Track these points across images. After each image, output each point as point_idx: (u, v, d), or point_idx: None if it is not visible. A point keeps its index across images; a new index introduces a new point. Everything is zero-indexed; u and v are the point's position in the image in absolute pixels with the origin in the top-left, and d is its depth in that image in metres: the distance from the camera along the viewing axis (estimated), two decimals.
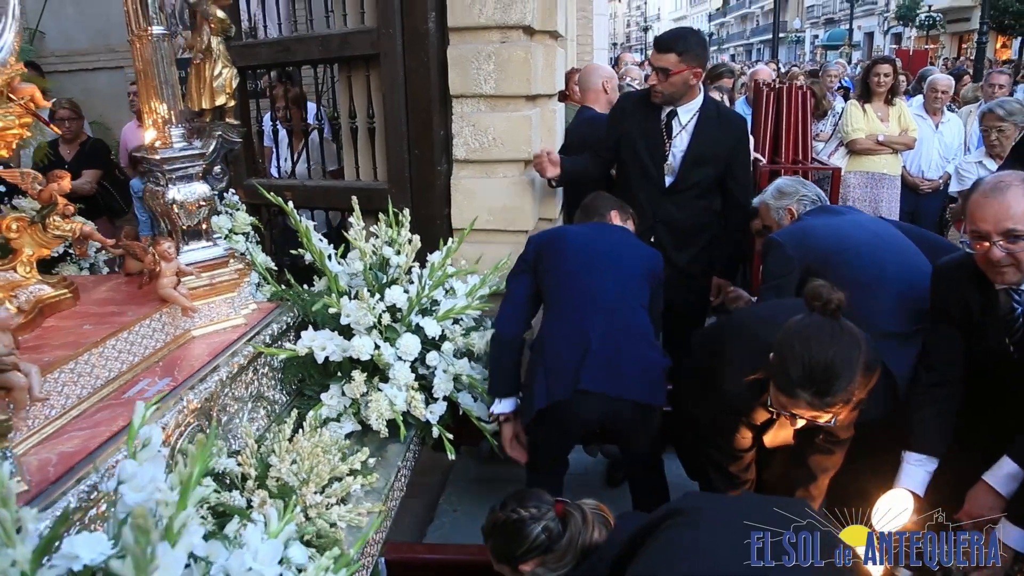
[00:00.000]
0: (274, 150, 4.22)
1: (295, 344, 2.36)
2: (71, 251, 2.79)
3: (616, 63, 9.31)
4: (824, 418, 1.85)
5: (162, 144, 2.21)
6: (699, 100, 3.07)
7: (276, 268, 2.93)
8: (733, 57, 50.57)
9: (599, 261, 2.45)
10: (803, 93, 4.53)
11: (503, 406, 2.48)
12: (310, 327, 2.42)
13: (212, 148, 2.39)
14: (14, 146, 1.88)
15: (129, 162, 4.55)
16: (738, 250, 3.62)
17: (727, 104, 4.23)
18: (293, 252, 2.77)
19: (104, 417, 1.67)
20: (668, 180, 3.10)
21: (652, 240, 3.05)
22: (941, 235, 4.29)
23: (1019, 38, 24.02)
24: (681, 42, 2.95)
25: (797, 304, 1.95)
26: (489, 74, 3.00)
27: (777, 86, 4.63)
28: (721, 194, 3.18)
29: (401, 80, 3.07)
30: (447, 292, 2.67)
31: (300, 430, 1.98)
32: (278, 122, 4.38)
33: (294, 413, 2.09)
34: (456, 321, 2.60)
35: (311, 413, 2.10)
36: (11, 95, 1.85)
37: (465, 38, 3.01)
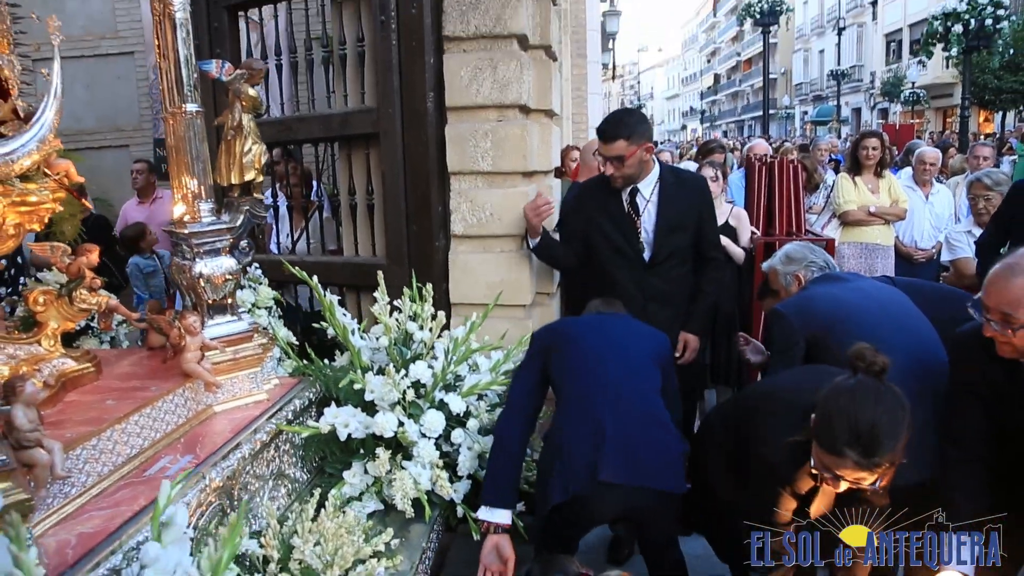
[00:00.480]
0: (274, 226, 4.27)
1: (316, 420, 2.33)
2: (92, 324, 2.79)
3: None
4: (869, 479, 1.81)
5: (191, 218, 2.23)
6: (656, 171, 3.10)
7: (297, 342, 2.93)
8: (725, 133, 51.81)
9: (606, 350, 2.42)
10: (794, 167, 4.63)
11: (492, 515, 2.28)
12: (332, 403, 2.39)
13: (239, 223, 2.41)
14: (46, 220, 1.91)
15: (120, 240, 4.57)
16: (731, 308, 3.61)
17: (721, 178, 4.31)
18: (316, 325, 2.76)
19: (125, 496, 1.63)
20: (646, 255, 3.11)
21: (647, 320, 3.05)
22: None
23: (1000, 112, 24.68)
24: (624, 127, 2.98)
25: (820, 370, 1.98)
26: (486, 151, 3.06)
27: (768, 160, 4.73)
28: (695, 255, 3.19)
29: (400, 158, 3.14)
30: (471, 368, 2.66)
31: (323, 509, 1.92)
32: (279, 198, 4.44)
33: (316, 491, 2.05)
34: (480, 397, 2.58)
35: (333, 492, 2.05)
36: (47, 170, 1.89)
37: (463, 117, 3.09)
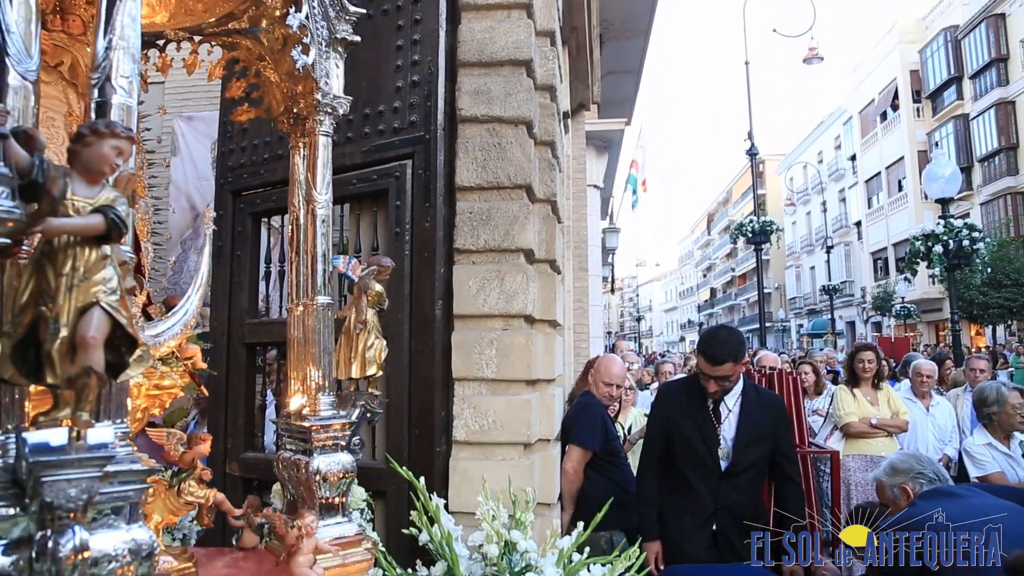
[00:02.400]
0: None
1: None
2: None
3: (613, 348, 10.43)
4: None
5: (311, 411, 2.20)
6: (740, 384, 3.28)
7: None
8: None
9: None
10: (794, 379, 4.70)
11: None
12: None
13: (355, 417, 2.38)
14: (167, 405, 1.92)
15: None
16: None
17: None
18: (406, 532, 2.65)
19: None
20: (724, 464, 3.16)
21: (715, 528, 3.01)
22: None
23: (990, 326, 25.32)
24: (732, 351, 3.23)
25: None
26: (491, 359, 3.14)
27: (768, 372, 4.81)
28: (772, 473, 3.23)
29: (406, 363, 3.21)
30: None
31: None
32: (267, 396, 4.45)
33: None
34: None
35: None
36: (178, 355, 1.94)
37: (469, 324, 3.20)
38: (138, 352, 1.36)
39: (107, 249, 1.34)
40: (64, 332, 1.25)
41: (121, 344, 1.31)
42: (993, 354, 15.45)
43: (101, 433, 1.25)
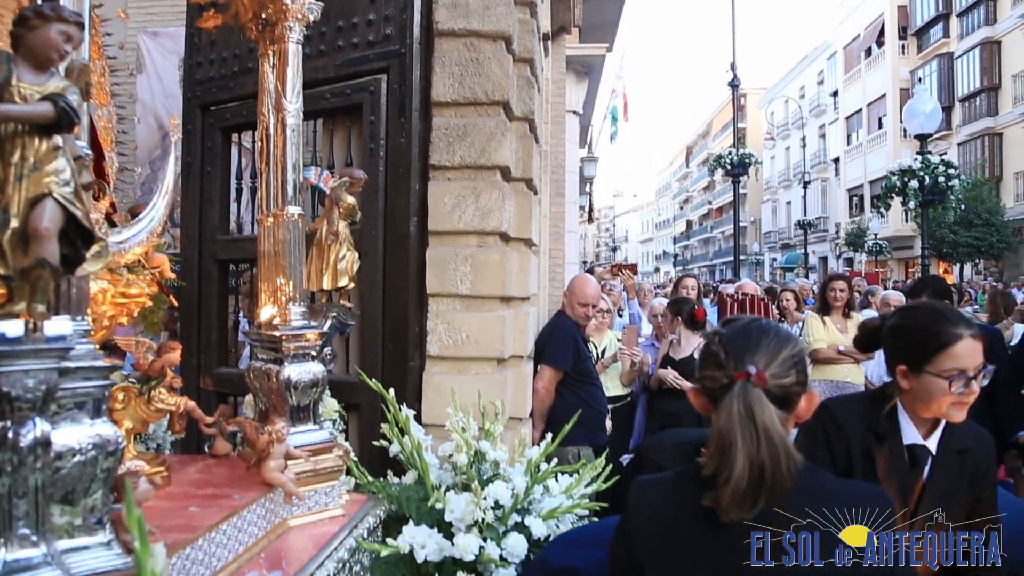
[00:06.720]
0: (247, 344, 4.24)
1: (382, 541, 2.22)
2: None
3: (591, 271, 10.89)
4: None
5: (282, 320, 2.19)
6: None
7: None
8: (696, 277, 53.29)
9: None
10: (765, 304, 4.77)
11: None
12: (410, 522, 2.28)
13: (327, 328, 2.38)
14: (135, 314, 1.89)
15: None
16: None
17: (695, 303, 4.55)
18: (377, 444, 2.68)
19: None
20: None
21: None
22: None
23: (958, 264, 25.83)
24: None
25: None
26: (465, 275, 3.12)
27: (741, 297, 4.87)
28: None
29: (380, 279, 3.18)
30: (544, 490, 2.59)
31: None
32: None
33: None
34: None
35: None
36: (145, 263, 1.90)
37: (444, 241, 3.17)
38: (96, 247, 1.32)
39: (59, 140, 1.28)
40: (15, 223, 1.21)
41: (77, 237, 1.27)
42: (959, 291, 15.78)
43: (58, 326, 1.22)
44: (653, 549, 1.42)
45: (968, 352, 1.93)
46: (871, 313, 6.19)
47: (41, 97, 1.25)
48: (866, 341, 2.29)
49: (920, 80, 28.59)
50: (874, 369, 5.46)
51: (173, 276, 2.06)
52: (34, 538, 1.20)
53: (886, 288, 11.75)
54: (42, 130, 1.25)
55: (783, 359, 1.42)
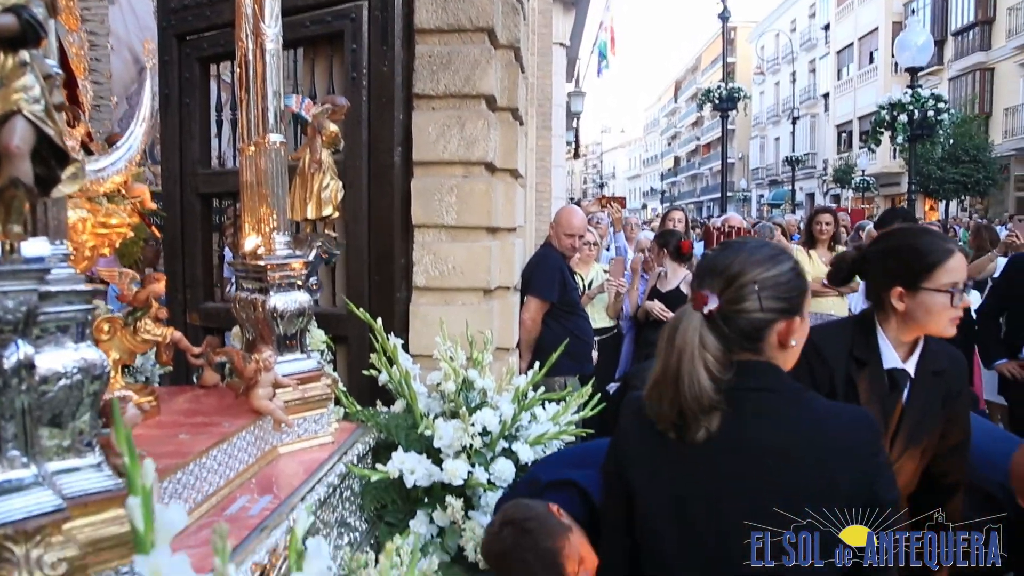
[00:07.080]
0: (232, 279, 4.22)
1: (373, 468, 2.26)
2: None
3: (578, 204, 10.64)
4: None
5: (266, 250, 2.18)
6: None
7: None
8: (684, 210, 53.28)
9: None
10: (751, 236, 4.78)
11: None
12: (399, 449, 2.32)
13: (312, 257, 2.37)
14: (117, 245, 1.87)
15: None
16: None
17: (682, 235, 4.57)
18: (366, 373, 2.70)
19: (208, 536, 1.53)
20: None
21: None
22: None
23: (944, 201, 25.90)
24: None
25: None
26: (451, 205, 3.10)
27: (728, 230, 4.89)
28: None
29: (365, 210, 3.15)
30: (531, 418, 2.63)
31: (399, 561, 1.79)
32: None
33: (377, 545, 1.99)
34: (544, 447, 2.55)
35: (405, 541, 1.94)
36: (125, 192, 1.87)
37: (429, 171, 3.13)
38: (71, 168, 1.28)
39: (26, 55, 1.23)
40: None
41: (51, 157, 1.24)
42: (944, 228, 15.88)
43: (36, 247, 1.21)
44: (631, 462, 1.48)
45: (961, 266, 1.98)
46: None
47: (3, 9, 1.20)
48: (842, 273, 2.28)
49: (913, 12, 28.09)
50: (857, 301, 5.52)
51: (154, 206, 2.03)
52: (24, 459, 1.21)
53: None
54: (6, 44, 1.20)
55: (741, 284, 1.38)
